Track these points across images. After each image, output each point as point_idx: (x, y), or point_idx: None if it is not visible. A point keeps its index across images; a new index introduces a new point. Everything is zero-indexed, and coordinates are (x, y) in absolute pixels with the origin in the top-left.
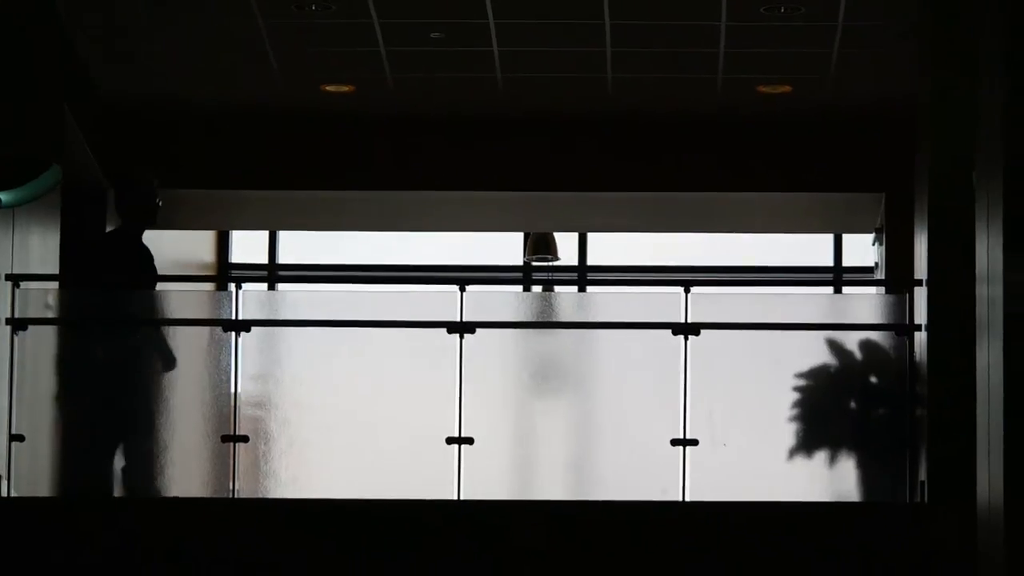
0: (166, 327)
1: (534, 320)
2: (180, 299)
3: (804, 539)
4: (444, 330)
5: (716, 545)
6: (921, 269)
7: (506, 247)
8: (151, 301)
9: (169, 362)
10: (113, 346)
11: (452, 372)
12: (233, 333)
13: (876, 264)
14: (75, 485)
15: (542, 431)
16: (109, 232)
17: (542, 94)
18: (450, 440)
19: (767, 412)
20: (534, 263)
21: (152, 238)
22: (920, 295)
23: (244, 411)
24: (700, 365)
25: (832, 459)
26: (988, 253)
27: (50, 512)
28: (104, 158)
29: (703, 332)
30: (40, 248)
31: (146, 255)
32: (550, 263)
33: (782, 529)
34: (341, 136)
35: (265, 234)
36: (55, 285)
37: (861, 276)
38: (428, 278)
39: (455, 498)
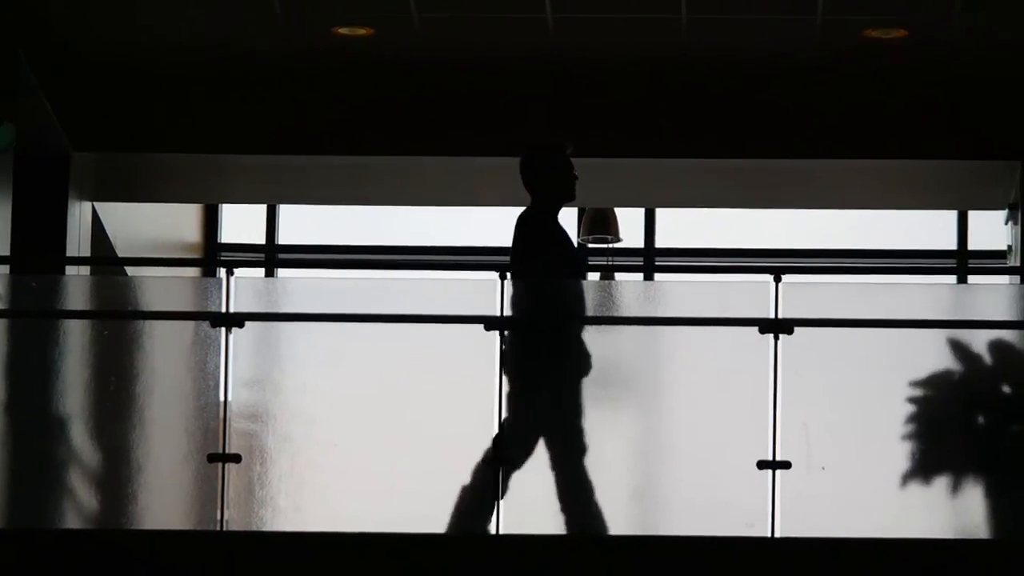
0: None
1: (590, 314)
2: (158, 287)
3: None
4: (481, 326)
5: None
6: None
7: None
8: (580, 292)
9: (586, 364)
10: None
11: (490, 377)
12: (223, 329)
13: (1010, 247)
14: (30, 515)
15: (599, 450)
16: (522, 213)
17: (601, 37)
18: (487, 460)
19: (874, 428)
20: (590, 245)
21: (127, 214)
22: None
23: (235, 425)
24: (793, 370)
25: (955, 487)
26: None
27: None
28: (68, 116)
29: (796, 330)
30: None
31: (563, 237)
32: (610, 245)
33: (893, 571)
34: (356, 89)
35: (262, 209)
36: (6, 269)
37: (991, 262)
38: (462, 263)
39: (493, 532)
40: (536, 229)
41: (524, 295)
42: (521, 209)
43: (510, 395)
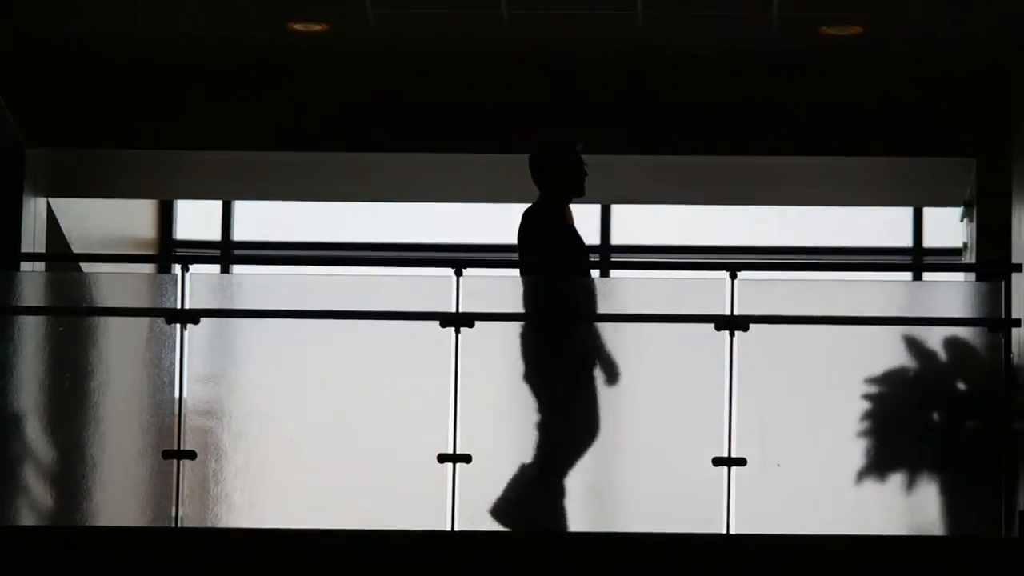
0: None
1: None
2: (113, 283)
3: None
4: (436, 323)
5: None
6: (1021, 251)
7: (511, 222)
8: (589, 289)
9: (612, 372)
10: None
11: (446, 374)
12: (178, 325)
13: (965, 245)
14: None
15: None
16: (528, 208)
17: (556, 34)
18: (443, 457)
19: (830, 425)
20: None
21: (82, 210)
22: (1019, 282)
23: (191, 421)
24: (749, 367)
25: (910, 484)
26: None
27: None
28: (22, 111)
29: (752, 327)
30: None
31: (572, 232)
32: None
33: (848, 568)
34: (311, 85)
35: (218, 205)
36: None
37: (946, 259)
38: (417, 260)
39: (448, 528)
40: (544, 224)
41: (531, 290)
42: (481, 205)
43: (543, 397)
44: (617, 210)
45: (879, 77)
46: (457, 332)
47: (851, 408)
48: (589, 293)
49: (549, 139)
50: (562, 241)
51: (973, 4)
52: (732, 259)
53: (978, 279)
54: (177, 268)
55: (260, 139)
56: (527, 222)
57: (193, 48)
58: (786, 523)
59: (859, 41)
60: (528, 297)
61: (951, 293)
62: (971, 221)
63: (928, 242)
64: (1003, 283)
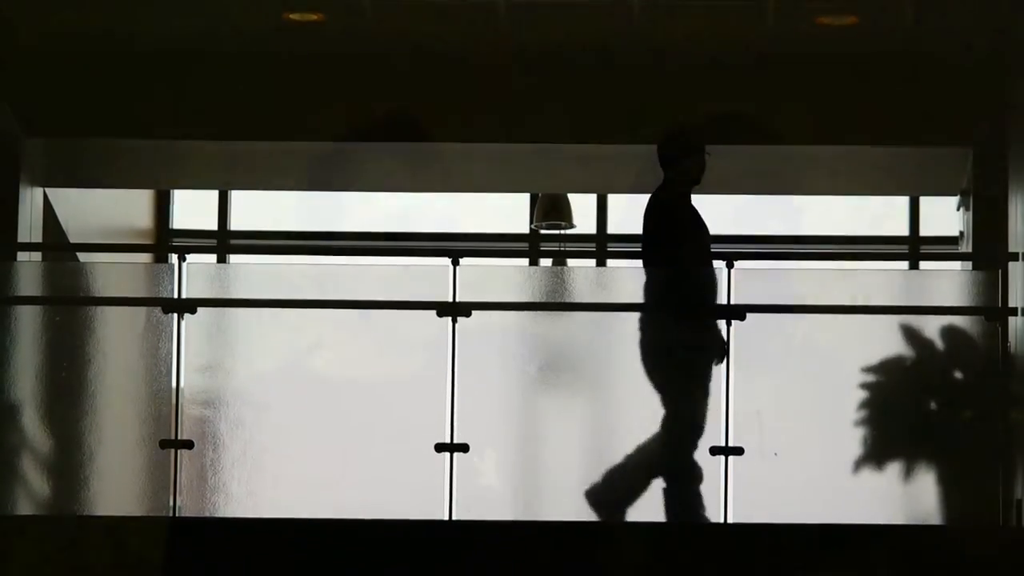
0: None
1: (542, 300)
2: (110, 273)
3: (873, 569)
4: (433, 312)
5: None
6: (1017, 240)
7: (509, 212)
8: (711, 280)
9: (722, 350)
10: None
11: (443, 364)
12: (175, 315)
13: (961, 233)
14: None
15: (552, 436)
16: (650, 197)
17: (553, 24)
18: (440, 447)
19: (827, 414)
20: (543, 231)
21: (78, 200)
22: (1016, 271)
23: (188, 411)
24: (746, 356)
25: (908, 473)
26: None
27: None
28: (19, 102)
29: (749, 316)
30: None
31: (697, 221)
32: (563, 231)
33: (846, 558)
34: (307, 75)
35: (214, 194)
36: None
37: (943, 248)
38: (414, 249)
39: (445, 518)
40: (658, 216)
41: (657, 279)
42: (478, 195)
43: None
44: (613, 200)
45: (875, 67)
46: (454, 322)
47: (848, 397)
48: (710, 282)
49: (672, 131)
50: (675, 231)
51: None
52: (729, 248)
53: (975, 268)
54: (174, 258)
55: (256, 129)
56: (645, 214)
57: (190, 38)
58: (784, 512)
59: (855, 31)
60: (648, 287)
61: (948, 282)
62: (967, 210)
63: (925, 231)
64: (1000, 272)
